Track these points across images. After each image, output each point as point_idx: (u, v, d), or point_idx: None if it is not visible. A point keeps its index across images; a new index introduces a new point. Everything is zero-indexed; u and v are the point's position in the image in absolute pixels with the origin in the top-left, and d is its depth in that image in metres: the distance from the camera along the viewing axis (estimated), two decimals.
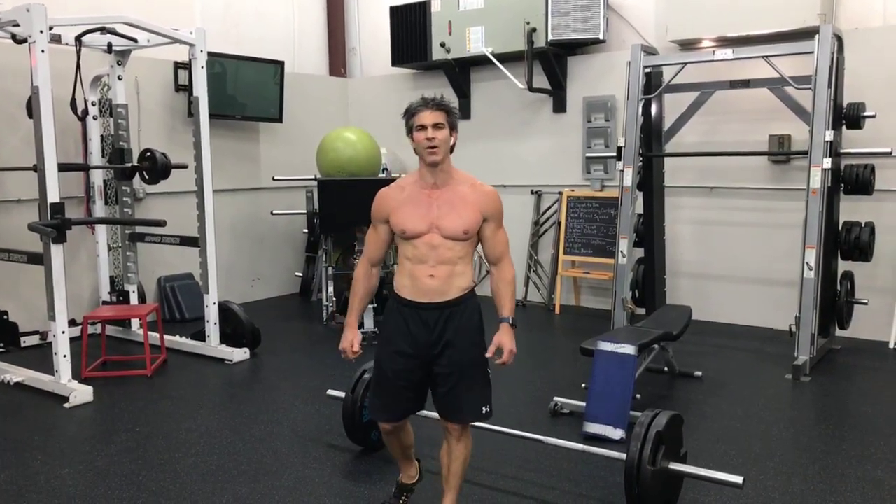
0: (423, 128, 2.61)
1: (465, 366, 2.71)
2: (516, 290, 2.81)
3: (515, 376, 5.06)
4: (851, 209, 5.44)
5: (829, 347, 5.44)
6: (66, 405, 4.44)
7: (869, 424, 4.09)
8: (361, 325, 5.53)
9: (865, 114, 5.13)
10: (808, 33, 5.22)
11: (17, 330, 5.59)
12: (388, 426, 2.84)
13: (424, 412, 2.98)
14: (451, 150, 2.68)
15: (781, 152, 5.91)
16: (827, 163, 4.91)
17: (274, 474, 3.50)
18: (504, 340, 2.72)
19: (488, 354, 2.73)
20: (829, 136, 4.91)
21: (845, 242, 5.22)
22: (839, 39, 5.13)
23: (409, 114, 2.66)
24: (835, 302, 5.34)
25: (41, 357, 5.22)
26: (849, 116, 5.16)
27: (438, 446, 2.89)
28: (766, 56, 5.20)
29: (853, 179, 5.16)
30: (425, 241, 2.64)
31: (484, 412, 2.75)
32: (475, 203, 2.67)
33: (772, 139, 5.97)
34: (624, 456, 2.98)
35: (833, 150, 5.00)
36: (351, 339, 2.79)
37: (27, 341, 5.72)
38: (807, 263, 4.92)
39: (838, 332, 5.57)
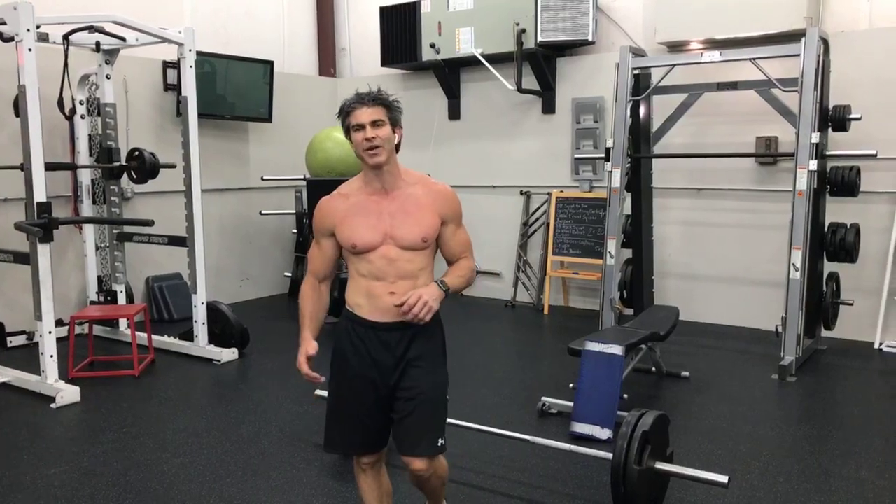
0: (360, 127, 2.31)
1: (426, 391, 2.39)
2: (469, 283, 2.47)
3: (504, 376, 5.08)
4: (837, 211, 5.49)
5: (815, 348, 5.49)
6: (52, 405, 4.43)
7: (854, 424, 4.12)
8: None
9: (851, 116, 5.17)
10: (794, 36, 5.26)
11: (4, 330, 5.59)
12: (367, 458, 2.51)
13: None
14: (397, 148, 2.38)
15: (768, 154, 5.96)
16: (813, 164, 4.95)
17: (262, 474, 3.50)
18: (420, 290, 2.31)
19: (397, 302, 2.31)
20: (815, 138, 4.95)
21: (831, 244, 5.26)
22: (825, 42, 5.17)
23: (345, 112, 2.35)
24: (820, 303, 5.38)
25: (28, 357, 5.20)
26: (835, 119, 5.20)
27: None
28: (754, 58, 5.24)
29: (839, 181, 5.20)
30: (380, 255, 2.35)
31: (440, 445, 2.42)
32: (430, 205, 2.39)
33: (759, 141, 6.01)
34: (610, 455, 2.99)
35: (819, 152, 5.04)
36: (305, 351, 2.45)
37: (13, 341, 5.70)
38: (793, 264, 4.96)
39: (824, 333, 5.61)
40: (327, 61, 8.61)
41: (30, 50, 4.40)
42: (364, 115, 2.31)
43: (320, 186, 6.48)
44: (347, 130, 2.36)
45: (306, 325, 2.51)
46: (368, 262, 2.37)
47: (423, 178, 2.48)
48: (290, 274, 7.86)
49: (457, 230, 2.48)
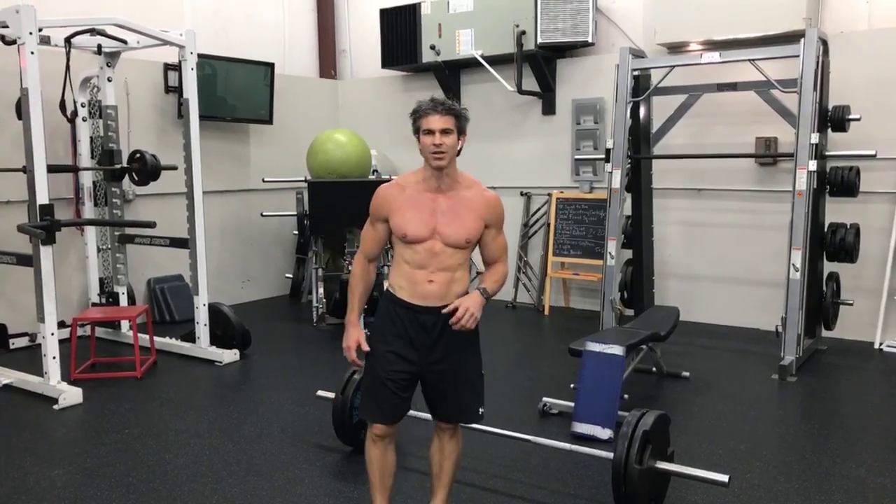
0: (430, 132, 2.54)
1: (463, 371, 2.69)
2: (502, 287, 2.74)
3: (505, 376, 5.09)
4: (837, 211, 5.50)
5: (815, 348, 5.50)
6: (55, 407, 4.44)
7: (854, 424, 4.14)
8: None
9: (850, 117, 5.19)
10: (794, 37, 5.28)
11: (6, 332, 5.59)
12: (381, 430, 2.70)
13: (413, 412, 3.00)
14: (458, 153, 2.62)
15: (768, 154, 5.97)
16: (812, 165, 4.97)
17: (264, 475, 3.51)
18: (466, 301, 2.54)
19: (444, 310, 2.55)
20: (815, 138, 4.96)
21: (831, 244, 5.27)
22: (824, 43, 5.19)
23: (417, 115, 2.58)
24: (820, 303, 5.39)
25: (30, 359, 5.21)
26: (834, 119, 5.22)
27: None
28: (753, 59, 5.25)
29: (838, 181, 5.22)
30: (426, 247, 2.58)
31: (480, 413, 2.76)
32: (478, 210, 2.62)
33: (758, 141, 6.03)
34: (611, 455, 3.01)
35: (818, 153, 5.05)
36: (356, 338, 2.69)
37: (16, 343, 5.71)
38: (793, 265, 4.98)
39: (824, 333, 5.62)
40: (328, 63, 8.63)
41: (32, 53, 4.42)
42: (436, 122, 2.54)
43: (321, 188, 6.52)
44: (417, 131, 2.59)
45: (355, 307, 2.77)
46: (414, 252, 2.60)
47: (475, 183, 2.70)
48: (291, 275, 7.87)
49: (497, 235, 2.71)
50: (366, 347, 2.68)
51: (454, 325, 2.52)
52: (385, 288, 2.74)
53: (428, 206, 2.59)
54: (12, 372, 4.91)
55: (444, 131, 2.53)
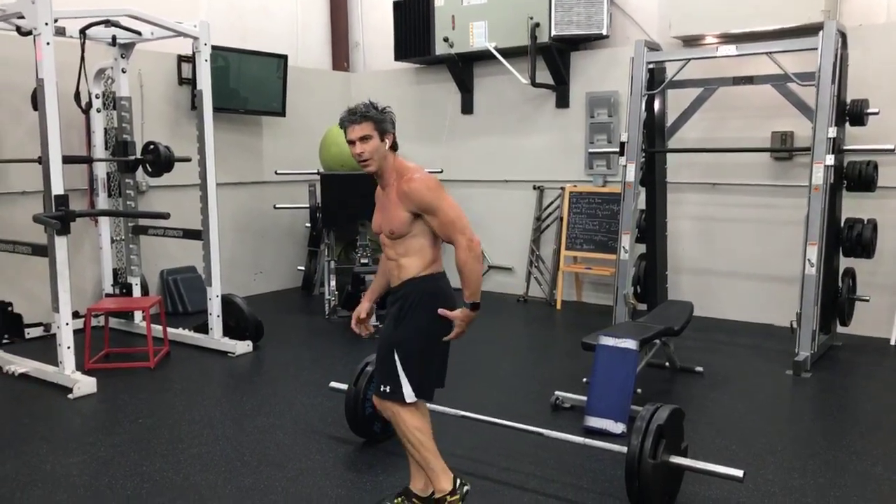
0: (351, 142, 2.73)
1: (384, 338, 2.87)
2: (478, 269, 2.75)
3: (517, 370, 5.09)
4: (854, 206, 5.45)
5: (831, 344, 5.46)
6: (69, 396, 4.47)
7: (869, 420, 4.11)
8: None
9: (869, 110, 5.13)
10: (811, 29, 5.23)
11: (22, 321, 5.64)
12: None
13: (436, 406, 2.99)
14: (395, 148, 2.78)
15: (784, 149, 5.92)
16: (830, 159, 4.92)
17: (277, 465, 3.52)
18: (456, 323, 2.77)
19: (447, 338, 2.80)
20: (832, 132, 4.91)
21: (847, 239, 5.22)
22: (843, 36, 5.13)
23: (342, 127, 2.78)
24: (836, 299, 5.35)
25: (45, 348, 5.25)
26: (852, 113, 5.17)
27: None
28: (770, 52, 5.20)
29: (856, 176, 5.16)
30: (382, 239, 2.87)
31: (381, 390, 2.84)
32: (399, 203, 2.73)
33: (774, 136, 5.97)
34: (625, 449, 2.99)
35: (836, 147, 5.00)
36: (358, 311, 3.04)
37: (31, 333, 5.76)
38: (808, 260, 4.93)
39: (840, 329, 5.58)
40: (341, 55, 8.63)
41: (48, 44, 4.43)
42: (353, 132, 2.73)
43: (334, 180, 6.52)
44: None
45: (372, 286, 3.10)
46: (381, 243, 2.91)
47: (401, 171, 2.78)
48: (303, 268, 7.89)
49: (435, 217, 2.74)
50: (362, 317, 3.04)
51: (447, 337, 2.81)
52: None
53: (380, 203, 2.87)
54: (28, 361, 4.94)
55: (363, 139, 2.71)
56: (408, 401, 2.80)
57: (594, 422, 3.92)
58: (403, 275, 2.80)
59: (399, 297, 2.83)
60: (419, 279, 2.79)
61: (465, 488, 2.96)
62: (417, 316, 2.79)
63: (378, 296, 3.08)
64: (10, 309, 5.57)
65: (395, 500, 3.00)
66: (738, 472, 2.95)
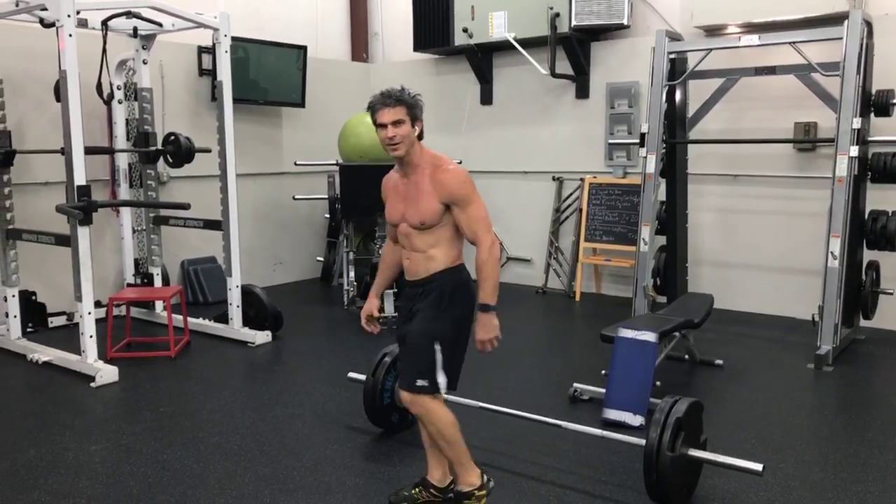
0: (383, 126, 2.68)
1: (412, 333, 2.80)
2: (494, 271, 2.73)
3: (535, 362, 5.08)
4: (879, 198, 5.37)
5: (853, 337, 5.39)
6: (92, 384, 4.53)
7: (893, 414, 4.05)
8: (382, 310, 5.57)
9: (895, 101, 5.05)
10: (836, 19, 5.15)
11: (45, 310, 5.72)
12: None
13: (453, 397, 2.99)
14: (421, 137, 2.74)
15: (807, 140, 5.84)
16: (854, 151, 4.85)
17: (295, 455, 3.55)
18: (476, 328, 2.76)
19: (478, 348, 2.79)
20: (857, 123, 4.84)
21: (871, 232, 5.15)
22: (869, 25, 5.04)
23: (371, 110, 2.72)
24: (859, 292, 5.28)
25: (68, 337, 5.32)
26: (877, 104, 5.08)
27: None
28: (793, 42, 5.13)
29: (881, 168, 5.08)
30: (401, 231, 2.80)
31: (418, 384, 2.75)
32: (431, 192, 2.69)
33: (797, 127, 5.90)
34: (643, 442, 2.98)
35: (860, 138, 4.93)
36: (367, 308, 3.03)
37: (54, 322, 5.84)
38: (831, 252, 4.88)
39: (862, 323, 5.51)
40: (360, 46, 8.62)
41: (70, 35, 4.47)
42: (386, 115, 2.68)
43: (353, 171, 6.53)
44: (375, 125, 2.73)
45: (377, 281, 3.08)
46: (398, 234, 2.86)
47: (434, 163, 2.75)
48: (321, 258, 7.92)
49: (463, 210, 2.72)
50: (376, 314, 3.04)
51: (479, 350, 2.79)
52: None
53: (401, 192, 2.79)
54: (51, 350, 5.01)
55: (396, 123, 2.66)
56: (442, 393, 2.79)
57: (613, 414, 3.90)
58: (433, 267, 2.76)
59: (431, 289, 2.77)
60: (450, 270, 2.78)
61: (491, 483, 2.98)
62: (453, 308, 2.78)
63: (384, 290, 3.10)
64: (33, 298, 5.65)
65: (413, 491, 3.01)
66: (758, 466, 2.92)
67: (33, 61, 5.73)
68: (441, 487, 3.01)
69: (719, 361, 4.85)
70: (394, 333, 3.07)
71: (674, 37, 5.70)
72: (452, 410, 2.90)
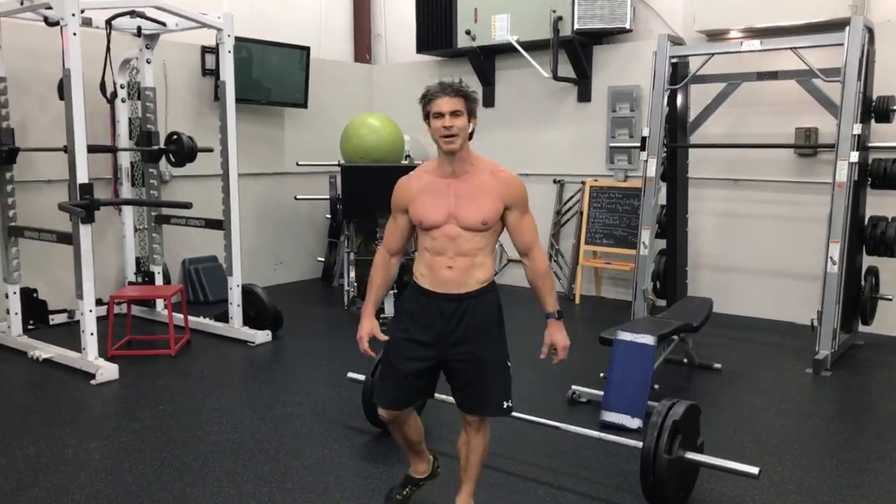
0: (440, 115, 2.50)
1: (484, 360, 2.64)
2: (553, 279, 2.71)
3: (534, 364, 5.08)
4: (878, 204, 5.38)
5: (852, 343, 5.40)
6: (92, 382, 4.54)
7: (890, 420, 4.06)
8: (381, 312, 5.58)
9: (895, 107, 5.06)
10: (838, 25, 5.16)
11: (46, 308, 5.73)
12: (386, 415, 2.73)
13: (441, 396, 3.01)
14: (470, 136, 2.58)
15: (808, 145, 5.85)
16: (854, 156, 4.86)
17: (294, 453, 3.56)
18: (556, 338, 2.70)
19: (542, 356, 2.72)
20: (858, 129, 4.85)
21: (871, 237, 5.16)
22: (870, 31, 5.06)
23: (427, 99, 2.55)
24: (858, 297, 5.29)
25: (69, 334, 5.33)
26: (878, 110, 5.10)
27: (457, 431, 2.87)
28: (795, 47, 5.15)
29: (881, 174, 5.10)
30: (444, 233, 2.56)
31: (505, 407, 2.69)
32: (494, 191, 2.56)
33: (798, 132, 5.91)
34: (640, 444, 2.99)
35: (861, 144, 4.94)
36: (369, 329, 2.72)
37: (55, 319, 5.85)
38: (830, 258, 4.89)
39: (861, 328, 5.52)
40: (363, 47, 8.64)
41: (74, 34, 4.49)
42: (445, 104, 2.50)
43: (354, 172, 6.55)
44: (427, 116, 2.55)
45: (372, 298, 2.78)
46: (433, 239, 2.58)
47: (491, 164, 2.63)
48: (323, 259, 7.94)
49: (522, 216, 2.64)
50: (382, 337, 2.72)
51: (556, 362, 2.72)
52: (411, 277, 2.73)
53: (444, 192, 2.57)
54: (52, 347, 5.03)
55: (454, 113, 2.49)
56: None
57: (610, 416, 3.92)
58: (482, 276, 2.61)
59: (484, 305, 2.63)
60: (492, 284, 2.67)
61: None
62: (498, 322, 2.70)
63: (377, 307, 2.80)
64: (35, 295, 5.67)
65: (405, 492, 2.98)
66: (754, 470, 2.94)
67: (37, 59, 5.75)
68: (429, 474, 3.02)
69: (718, 365, 4.86)
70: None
71: (676, 41, 5.72)
72: (451, 412, 2.92)
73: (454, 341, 2.60)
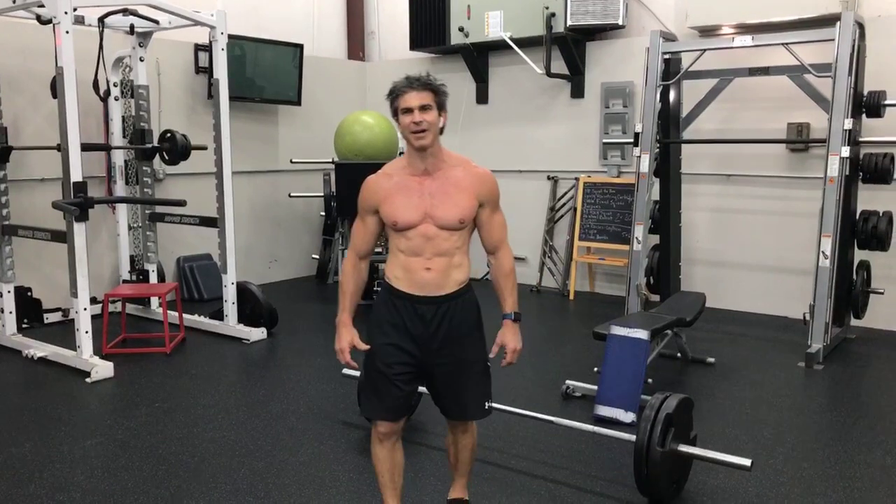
0: (409, 111, 2.40)
1: (465, 363, 2.57)
2: (516, 279, 2.66)
3: (528, 360, 5.10)
4: (870, 198, 5.42)
5: (844, 336, 5.44)
6: (87, 380, 4.54)
7: (881, 413, 4.10)
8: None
9: (886, 102, 5.10)
10: (829, 20, 5.19)
11: (41, 306, 5.72)
12: (387, 427, 2.59)
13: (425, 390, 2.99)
14: (441, 131, 2.48)
15: (800, 140, 5.88)
16: (845, 151, 4.89)
17: (289, 450, 3.58)
18: (507, 339, 2.60)
19: (491, 354, 2.62)
20: (849, 124, 4.89)
21: (862, 232, 5.20)
22: (861, 27, 5.09)
23: (394, 95, 2.45)
24: (850, 291, 5.33)
25: (63, 333, 5.34)
26: (869, 105, 5.13)
27: (444, 423, 2.82)
28: (786, 43, 5.17)
29: (872, 168, 5.13)
30: (419, 233, 2.45)
31: (486, 408, 2.65)
32: (470, 188, 2.48)
33: (790, 127, 5.94)
34: (634, 437, 3.02)
35: (852, 139, 4.97)
36: (349, 339, 2.57)
37: (50, 318, 5.85)
38: (822, 252, 4.92)
39: (853, 322, 5.56)
40: (356, 45, 8.64)
41: (67, 32, 4.48)
42: (413, 99, 2.40)
43: (348, 169, 6.56)
44: (395, 112, 2.46)
45: (347, 307, 2.63)
46: (407, 239, 2.48)
47: (464, 160, 2.56)
48: (317, 256, 7.94)
49: (493, 213, 2.57)
50: (362, 347, 2.57)
51: (504, 365, 2.60)
52: (383, 279, 2.62)
53: (417, 190, 2.46)
54: (47, 345, 5.03)
55: (423, 108, 2.40)
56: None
57: (604, 410, 3.94)
58: (460, 276, 2.52)
59: (464, 306, 2.55)
60: (469, 284, 2.57)
61: None
62: (478, 323, 2.63)
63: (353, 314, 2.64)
64: (29, 294, 5.66)
65: None
66: (747, 462, 2.96)
67: (30, 58, 5.74)
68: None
69: (711, 359, 4.89)
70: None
71: (668, 37, 5.74)
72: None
73: (436, 345, 2.52)
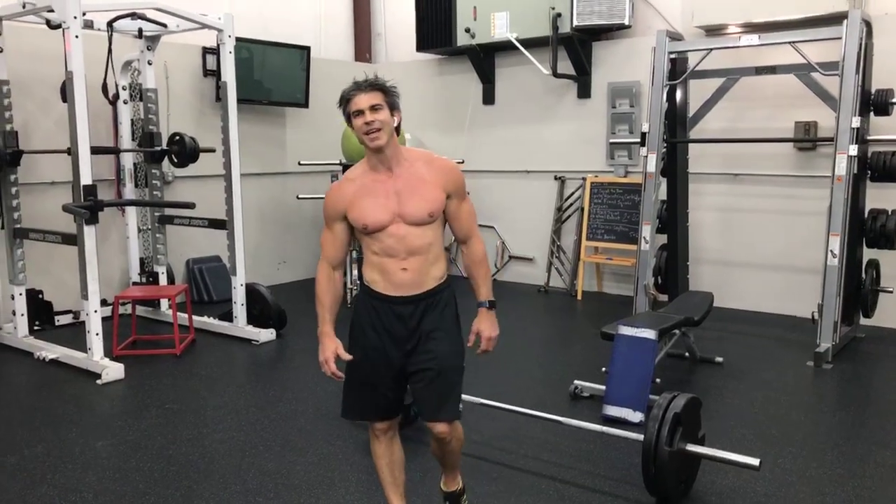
0: (359, 113, 2.39)
1: (444, 361, 2.50)
2: (489, 268, 2.64)
3: (536, 360, 5.11)
4: (878, 196, 5.40)
5: (853, 335, 5.42)
6: (98, 381, 4.58)
7: (890, 412, 4.09)
8: None
9: (894, 100, 5.07)
10: (836, 18, 5.18)
11: (52, 309, 5.76)
12: (383, 425, 2.61)
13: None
14: (397, 130, 2.48)
15: (807, 139, 5.87)
16: (853, 150, 4.88)
17: (299, 450, 3.60)
18: (483, 326, 2.60)
19: (469, 344, 2.59)
20: (856, 122, 4.87)
21: (871, 230, 5.18)
22: (868, 25, 5.08)
23: (345, 100, 2.43)
24: (859, 290, 5.31)
25: (74, 335, 5.37)
26: (877, 103, 5.11)
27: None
28: (793, 42, 5.16)
29: (880, 166, 5.11)
30: (390, 233, 2.43)
31: (459, 410, 2.58)
32: (435, 180, 2.47)
33: (798, 126, 5.93)
34: (642, 437, 3.02)
35: (860, 137, 4.96)
36: (333, 349, 2.54)
37: (61, 320, 5.88)
38: (830, 251, 4.91)
39: (862, 321, 5.54)
40: (363, 47, 8.66)
41: (76, 37, 4.52)
42: (363, 101, 2.39)
43: None
44: (349, 118, 2.44)
45: (327, 318, 2.61)
46: (380, 241, 2.46)
47: (425, 154, 2.57)
48: None
49: (461, 203, 2.57)
50: (346, 357, 2.53)
51: (480, 354, 2.59)
52: (362, 283, 2.60)
53: (382, 191, 2.44)
54: (58, 347, 5.07)
55: (374, 108, 2.39)
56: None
57: (612, 410, 3.94)
58: (436, 273, 2.50)
59: (440, 302, 2.52)
60: (447, 280, 2.55)
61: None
62: (456, 321, 2.58)
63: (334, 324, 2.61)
64: (40, 296, 5.70)
65: None
66: (755, 461, 2.96)
67: (40, 62, 5.78)
68: (458, 491, 2.87)
69: (719, 359, 4.89)
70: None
71: (674, 37, 5.74)
72: None
73: (414, 343, 2.50)
